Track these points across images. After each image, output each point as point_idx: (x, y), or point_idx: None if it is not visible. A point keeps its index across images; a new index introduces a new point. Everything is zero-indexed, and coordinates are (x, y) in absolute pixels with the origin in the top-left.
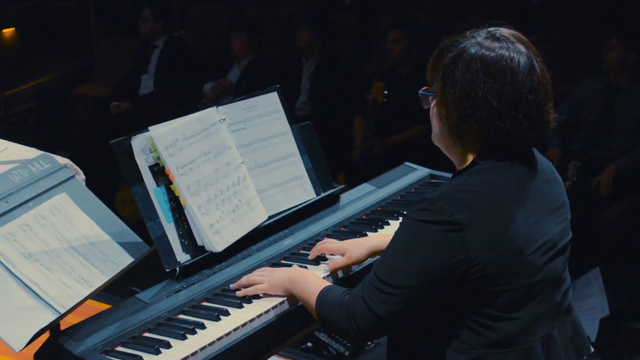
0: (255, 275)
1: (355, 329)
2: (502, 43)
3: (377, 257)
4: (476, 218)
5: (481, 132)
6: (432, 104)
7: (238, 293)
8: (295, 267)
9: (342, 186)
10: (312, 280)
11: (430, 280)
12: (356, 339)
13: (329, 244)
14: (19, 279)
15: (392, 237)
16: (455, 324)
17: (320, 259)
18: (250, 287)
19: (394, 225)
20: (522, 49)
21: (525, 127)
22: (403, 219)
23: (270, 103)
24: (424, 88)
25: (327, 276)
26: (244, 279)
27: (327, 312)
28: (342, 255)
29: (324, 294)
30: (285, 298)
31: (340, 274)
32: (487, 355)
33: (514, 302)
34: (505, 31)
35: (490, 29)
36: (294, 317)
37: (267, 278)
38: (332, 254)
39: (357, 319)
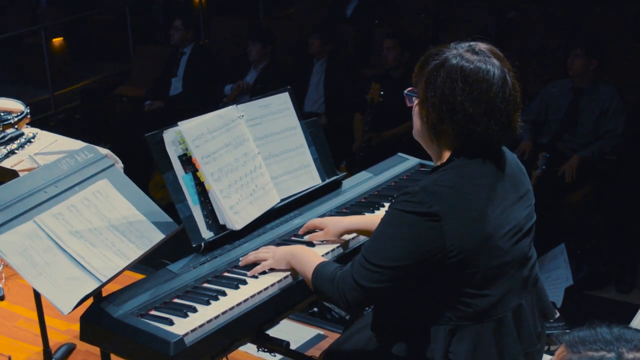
0: (260, 253)
1: (344, 300)
2: (480, 56)
3: (353, 234)
4: (452, 210)
5: (455, 133)
6: (415, 103)
7: (248, 273)
8: (297, 244)
9: (344, 173)
10: (310, 256)
11: (410, 263)
12: (345, 309)
13: (313, 219)
14: (67, 252)
15: (379, 223)
16: (435, 301)
17: (310, 232)
18: (258, 266)
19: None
20: (497, 62)
21: (495, 132)
22: (388, 209)
23: (282, 102)
24: (409, 89)
25: (326, 253)
26: (251, 255)
27: (320, 285)
28: (322, 229)
29: (319, 269)
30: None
31: (340, 250)
32: (464, 326)
33: (487, 280)
34: (483, 46)
35: (471, 42)
36: (303, 286)
37: (272, 254)
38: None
39: (346, 292)
